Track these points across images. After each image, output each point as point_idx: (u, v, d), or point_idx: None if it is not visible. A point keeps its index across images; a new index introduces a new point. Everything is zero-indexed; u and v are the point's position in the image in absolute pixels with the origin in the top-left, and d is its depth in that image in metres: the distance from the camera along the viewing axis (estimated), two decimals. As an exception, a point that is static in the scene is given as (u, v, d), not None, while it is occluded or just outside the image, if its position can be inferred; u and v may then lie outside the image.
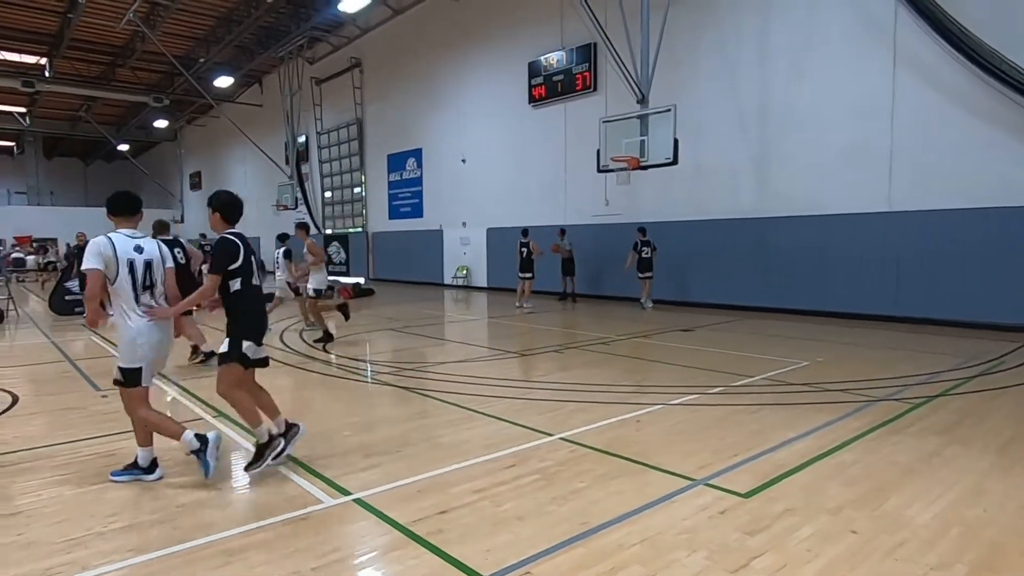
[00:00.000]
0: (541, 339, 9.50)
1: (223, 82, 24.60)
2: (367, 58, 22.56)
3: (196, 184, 38.03)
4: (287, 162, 25.90)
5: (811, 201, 11.31)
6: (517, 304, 13.42)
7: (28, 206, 38.87)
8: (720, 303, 12.69)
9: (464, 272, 18.73)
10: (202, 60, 24.66)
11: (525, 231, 13.74)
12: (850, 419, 4.94)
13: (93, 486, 3.82)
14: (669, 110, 10.72)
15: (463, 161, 18.66)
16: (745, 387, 6.11)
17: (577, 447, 4.33)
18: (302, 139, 25.83)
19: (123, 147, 36.67)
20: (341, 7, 16.81)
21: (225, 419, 5.17)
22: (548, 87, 15.86)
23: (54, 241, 32.82)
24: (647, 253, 12.83)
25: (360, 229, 23.59)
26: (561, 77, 15.51)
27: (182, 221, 38.66)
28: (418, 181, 20.73)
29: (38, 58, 25.29)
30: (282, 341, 9.51)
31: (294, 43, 22.48)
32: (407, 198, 21.35)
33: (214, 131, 34.24)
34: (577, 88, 15.13)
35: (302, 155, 25.85)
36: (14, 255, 25.75)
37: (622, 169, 11.55)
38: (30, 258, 26.18)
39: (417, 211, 20.87)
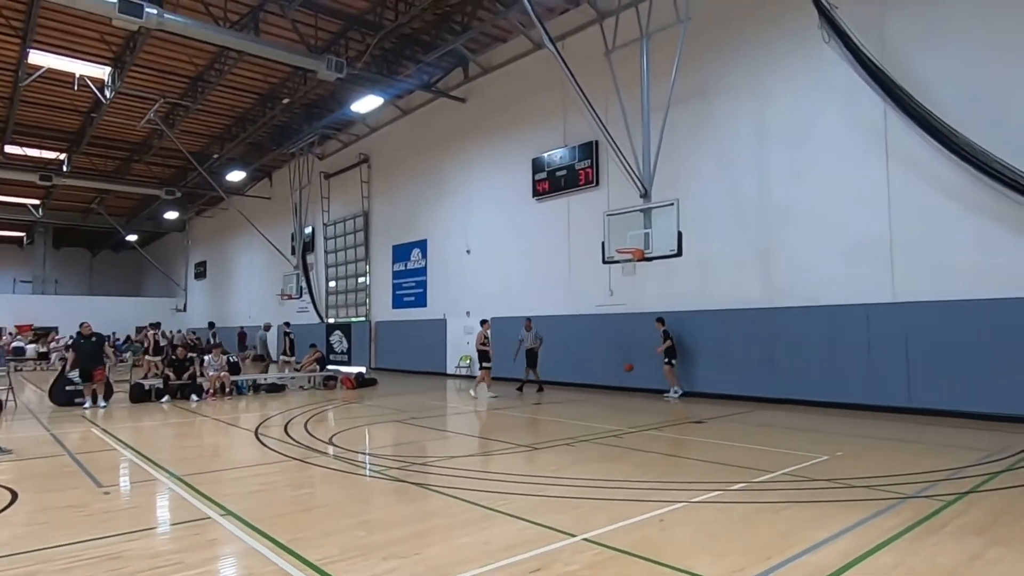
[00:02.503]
0: (550, 431, 9.32)
1: (235, 176, 25.50)
2: (375, 154, 23.47)
3: (201, 273, 38.49)
4: (293, 252, 26.37)
5: (816, 292, 11.45)
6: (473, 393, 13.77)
7: (32, 295, 39.13)
8: (727, 393, 12.56)
9: (467, 362, 18.63)
10: (216, 156, 25.63)
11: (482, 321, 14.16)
12: (882, 518, 4.77)
13: (97, 593, 3.62)
14: (672, 204, 11.07)
15: (467, 252, 19.01)
16: (767, 483, 5.94)
17: (603, 549, 4.15)
18: (308, 230, 26.41)
19: (131, 237, 37.39)
20: (354, 108, 17.69)
21: (233, 517, 4.98)
22: (551, 181, 16.42)
23: (55, 330, 32.81)
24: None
25: (363, 318, 23.67)
26: (564, 172, 16.09)
27: (184, 310, 38.80)
28: (422, 271, 21.02)
29: (58, 154, 26.28)
30: (286, 432, 9.32)
31: (305, 140, 23.47)
32: (411, 287, 21.57)
33: (222, 222, 35.06)
34: (580, 183, 15.66)
35: (308, 246, 26.33)
36: (14, 344, 25.62)
37: (627, 260, 11.76)
38: (30, 347, 26.04)
39: (421, 300, 21.03)
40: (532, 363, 14.66)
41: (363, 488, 6.27)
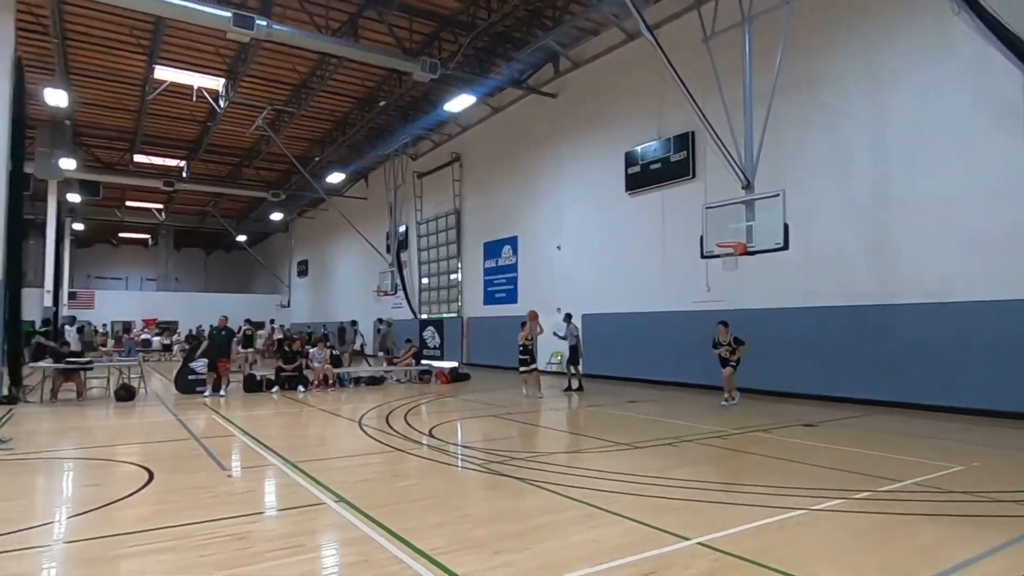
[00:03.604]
0: (649, 430, 9.08)
1: (335, 178, 26.66)
2: (466, 152, 23.84)
3: (303, 271, 40.60)
4: (388, 250, 27.30)
5: (939, 287, 10.53)
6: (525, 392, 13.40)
7: (156, 292, 42.69)
8: (834, 395, 11.79)
9: (558, 358, 18.55)
10: (317, 159, 26.91)
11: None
12: (1039, 537, 4.29)
13: (229, 570, 3.83)
14: (777, 195, 10.50)
15: (558, 248, 18.93)
16: (895, 493, 5.49)
17: (720, 555, 3.97)
18: (402, 228, 27.22)
19: (241, 238, 39.97)
20: (446, 107, 18.03)
21: (345, 504, 5.15)
22: (645, 175, 16.04)
23: (175, 324, 35.71)
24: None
25: (455, 314, 24.13)
26: (658, 165, 15.68)
27: (288, 305, 41.05)
28: (513, 268, 21.15)
29: (179, 161, 28.48)
30: (387, 423, 9.60)
31: (400, 142, 24.18)
32: (502, 284, 21.75)
33: (322, 223, 36.81)
34: (675, 175, 15.20)
35: (402, 244, 27.14)
36: (143, 336, 28.02)
37: (728, 255, 11.28)
38: (156, 339, 28.39)
39: (512, 297, 21.16)
40: (573, 360, 14.42)
41: (465, 481, 6.35)
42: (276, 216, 36.11)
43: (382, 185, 27.50)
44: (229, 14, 13.32)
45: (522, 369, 13.47)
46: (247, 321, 22.46)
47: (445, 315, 24.95)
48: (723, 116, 11.62)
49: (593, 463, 6.85)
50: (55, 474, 6.80)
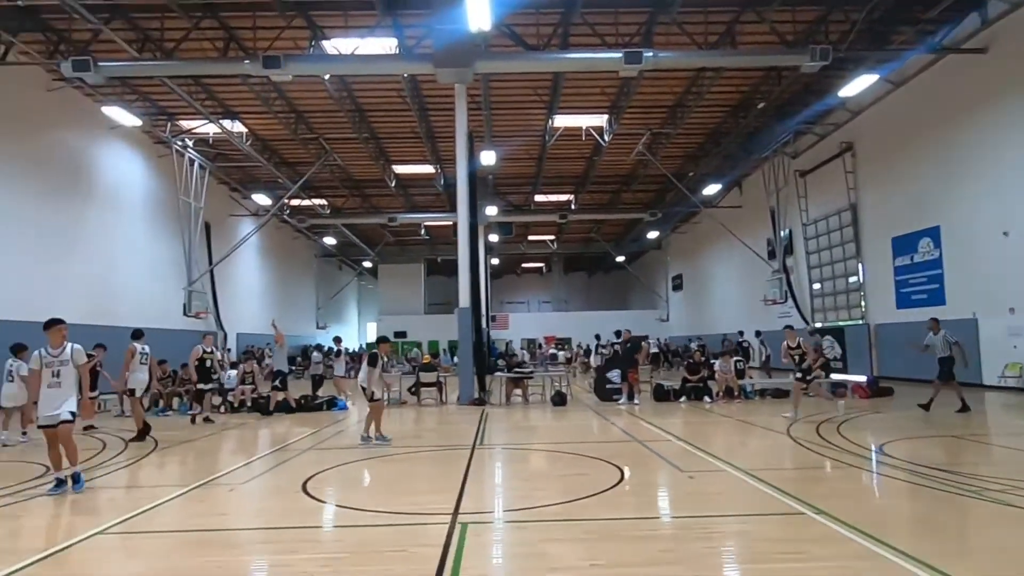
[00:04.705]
0: None
1: (710, 190, 26.71)
2: (860, 140, 21.30)
3: (678, 285, 41.56)
4: (770, 257, 26.02)
5: None
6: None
7: (551, 312, 48.84)
8: None
9: (1018, 370, 14.95)
10: (691, 174, 27.37)
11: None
12: None
13: (752, 564, 4.05)
14: None
15: (1004, 234, 15.36)
16: None
17: None
18: (784, 233, 25.64)
19: (620, 258, 43.02)
20: (841, 93, 16.44)
21: (827, 516, 4.97)
22: None
23: (568, 339, 40.27)
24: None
25: (860, 320, 21.56)
26: None
27: (668, 319, 42.43)
28: (936, 263, 17.92)
29: (568, 195, 32.23)
30: (819, 435, 9.04)
31: (779, 141, 22.95)
32: (920, 283, 18.62)
33: (694, 237, 37.18)
34: None
35: (787, 248, 25.57)
36: (550, 351, 32.27)
37: None
38: (560, 353, 32.36)
39: (936, 297, 17.92)
40: (945, 376, 11.41)
41: (971, 508, 5.52)
42: (652, 235, 37.83)
43: (757, 190, 26.44)
44: (620, 54, 14.60)
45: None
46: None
47: (845, 322, 22.50)
48: None
49: None
50: (544, 462, 8.22)
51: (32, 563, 4.27)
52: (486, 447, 9.07)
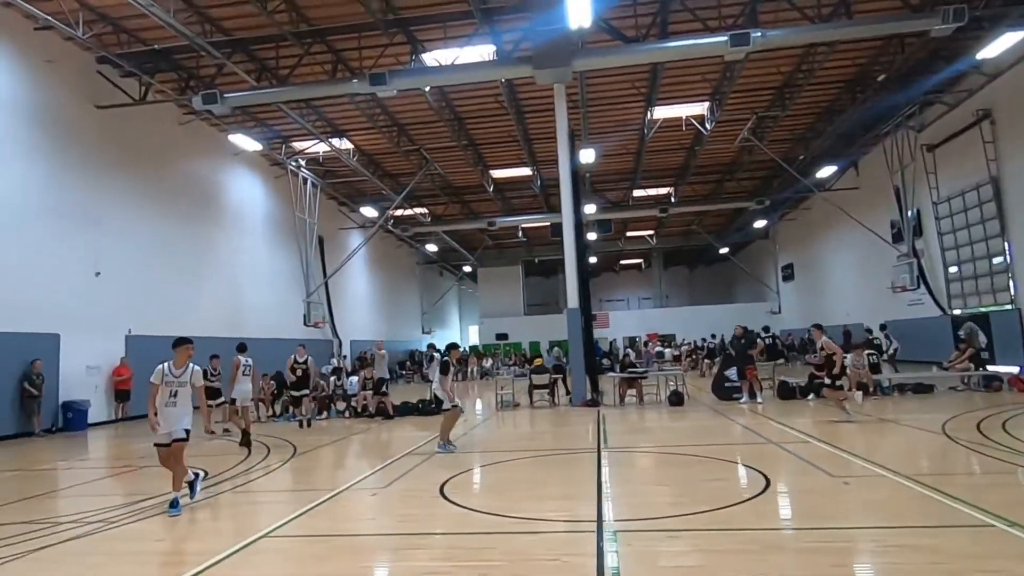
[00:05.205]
0: None
1: (824, 172, 25.10)
2: (1000, 105, 19.22)
3: (788, 276, 39.35)
4: (895, 241, 24.06)
5: None
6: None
7: (651, 309, 47.67)
8: None
9: None
10: (801, 157, 25.83)
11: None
12: None
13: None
14: None
15: None
16: None
17: None
18: (910, 213, 23.60)
19: (723, 250, 41.33)
20: (980, 55, 14.90)
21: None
22: None
23: (672, 337, 39.12)
24: None
25: (1008, 305, 19.46)
26: None
27: (779, 312, 40.30)
28: (1103, 237, 15.85)
29: (668, 188, 31.35)
30: (981, 434, 8.17)
31: (902, 114, 21.16)
32: (1084, 261, 16.54)
33: (805, 223, 35.08)
34: None
35: (915, 229, 23.54)
36: (656, 349, 31.50)
37: None
38: (667, 351, 31.53)
39: (1106, 276, 15.85)
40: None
41: None
42: (759, 224, 36.05)
43: (877, 170, 24.50)
44: (725, 37, 13.96)
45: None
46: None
47: (989, 307, 20.38)
48: None
49: None
50: (676, 467, 7.93)
51: (211, 564, 4.56)
52: (611, 450, 8.89)
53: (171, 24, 13.12)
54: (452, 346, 10.38)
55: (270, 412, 15.86)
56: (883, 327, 20.73)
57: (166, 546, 5.41)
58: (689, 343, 33.51)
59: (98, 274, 15.87)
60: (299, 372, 13.48)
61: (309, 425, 13.24)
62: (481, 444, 10.62)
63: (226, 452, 9.98)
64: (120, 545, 5.36)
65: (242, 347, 11.80)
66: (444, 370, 9.53)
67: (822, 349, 10.83)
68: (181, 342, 6.66)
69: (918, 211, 23.67)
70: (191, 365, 6.62)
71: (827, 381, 10.78)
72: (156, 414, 6.35)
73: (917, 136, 22.71)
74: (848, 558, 4.29)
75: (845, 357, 11.58)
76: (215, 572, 4.46)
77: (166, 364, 6.51)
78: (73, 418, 14.61)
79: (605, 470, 7.46)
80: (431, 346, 17.93)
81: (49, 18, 13.28)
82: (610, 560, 4.30)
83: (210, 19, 14.75)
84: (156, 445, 6.45)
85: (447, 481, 7.12)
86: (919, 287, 22.47)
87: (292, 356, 13.75)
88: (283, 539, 5.27)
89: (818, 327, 11.72)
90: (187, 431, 6.50)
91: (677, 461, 8.16)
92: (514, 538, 4.97)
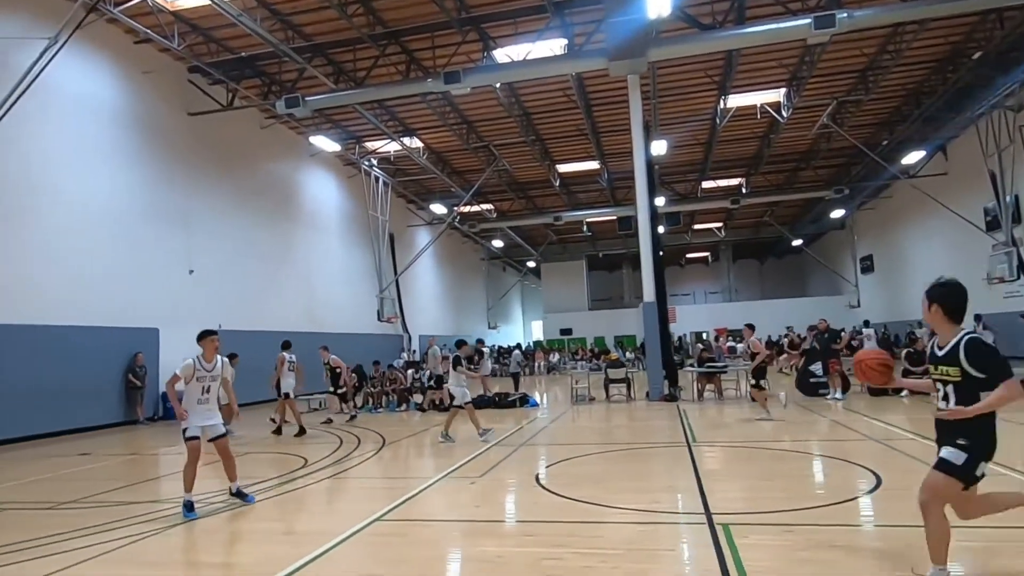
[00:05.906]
0: None
1: (910, 158, 23.87)
2: (1112, 81, 17.78)
3: (868, 268, 37.59)
4: (989, 229, 22.62)
5: None
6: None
7: (719, 303, 46.48)
8: None
9: None
10: (885, 142, 24.64)
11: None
12: None
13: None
14: None
15: None
16: None
17: None
18: (1009, 199, 22.11)
19: (796, 242, 39.85)
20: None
21: None
22: None
23: (741, 332, 37.91)
24: None
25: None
26: None
27: (859, 305, 38.54)
28: None
29: (739, 179, 30.50)
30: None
31: (1000, 94, 19.84)
32: None
33: (886, 212, 33.42)
34: None
35: (1014, 215, 22.05)
36: (728, 344, 30.70)
37: None
38: (739, 346, 30.67)
39: None
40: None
41: None
42: (836, 213, 34.59)
43: (969, 153, 23.07)
44: (808, 20, 13.46)
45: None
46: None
47: (1100, 300, 18.90)
48: None
49: None
50: (773, 461, 7.75)
51: (336, 543, 4.77)
52: (702, 444, 8.76)
53: (258, 32, 13.72)
54: (460, 342, 11.28)
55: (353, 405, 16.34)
56: (978, 317, 19.56)
57: (286, 526, 5.69)
58: (757, 339, 32.44)
59: (192, 272, 16.77)
60: (338, 370, 13.90)
61: (351, 419, 13.49)
62: (565, 437, 10.65)
63: (316, 441, 10.40)
64: (244, 524, 5.68)
65: (286, 345, 12.41)
66: (455, 365, 9.94)
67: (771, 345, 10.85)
68: (206, 334, 6.37)
69: (1016, 197, 22.17)
70: (219, 357, 6.40)
71: (753, 381, 11.34)
72: (180, 401, 6.24)
73: (1015, 117, 21.26)
74: (992, 558, 4.10)
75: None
76: (342, 551, 4.67)
77: (195, 357, 6.21)
78: (172, 408, 15.44)
79: (701, 463, 7.36)
80: (480, 341, 18.27)
81: (148, 31, 14.11)
82: (727, 552, 4.25)
83: (292, 25, 15.33)
84: (188, 439, 6.14)
85: (541, 471, 7.19)
86: (1018, 278, 21.05)
87: (329, 357, 14.01)
88: (396, 523, 5.45)
89: (749, 326, 12.06)
90: (225, 426, 6.48)
91: (770, 456, 7.96)
92: (623, 527, 4.97)
